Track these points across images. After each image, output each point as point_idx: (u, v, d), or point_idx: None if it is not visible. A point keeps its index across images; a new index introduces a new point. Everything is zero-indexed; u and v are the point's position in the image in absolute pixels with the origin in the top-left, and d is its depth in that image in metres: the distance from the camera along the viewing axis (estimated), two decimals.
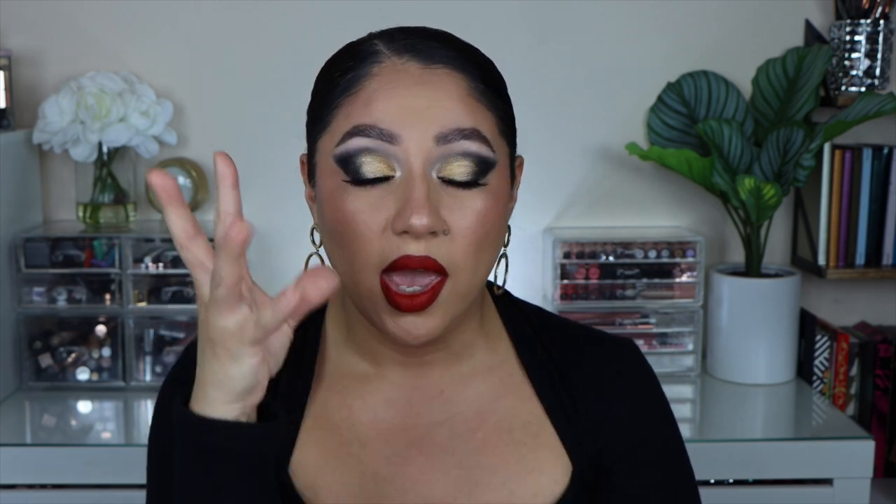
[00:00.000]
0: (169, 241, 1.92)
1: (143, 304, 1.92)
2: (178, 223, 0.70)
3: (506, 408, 0.91)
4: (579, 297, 1.99)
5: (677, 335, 2.01)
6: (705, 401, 1.93)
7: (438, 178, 0.81)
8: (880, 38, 2.00)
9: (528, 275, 2.10)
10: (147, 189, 2.03)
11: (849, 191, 2.01)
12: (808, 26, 2.08)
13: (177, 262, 1.91)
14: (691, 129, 2.05)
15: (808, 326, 2.02)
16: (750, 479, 1.71)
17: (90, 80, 1.93)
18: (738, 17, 2.09)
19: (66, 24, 2.06)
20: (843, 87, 2.03)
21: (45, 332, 1.93)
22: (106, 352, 1.93)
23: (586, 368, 0.93)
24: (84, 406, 1.89)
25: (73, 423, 1.83)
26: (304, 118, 0.89)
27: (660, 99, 2.07)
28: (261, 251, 2.06)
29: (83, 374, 1.93)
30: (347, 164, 0.81)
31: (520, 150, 0.93)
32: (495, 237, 0.84)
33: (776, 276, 2.00)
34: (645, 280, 1.99)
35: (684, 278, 2.00)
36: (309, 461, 0.89)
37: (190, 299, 1.92)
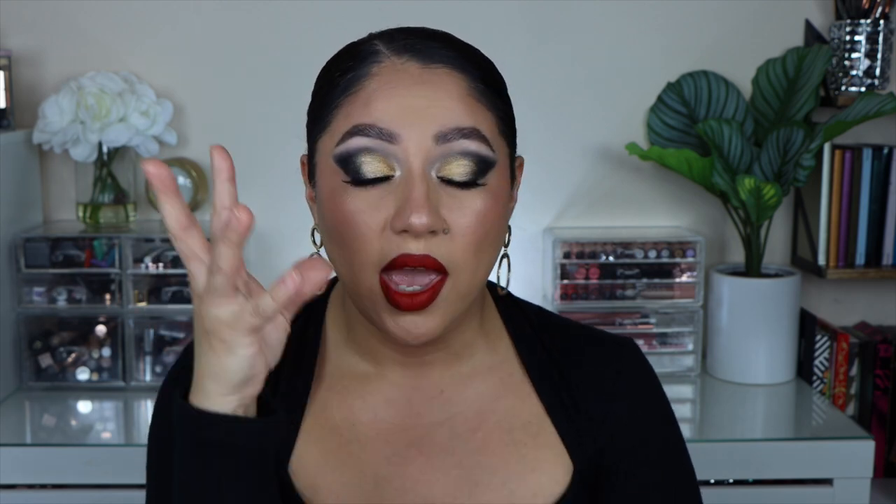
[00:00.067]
0: (169, 241, 1.92)
1: (143, 304, 1.92)
2: (172, 213, 0.70)
3: (506, 408, 0.91)
4: (579, 297, 1.99)
5: (677, 335, 2.01)
6: (705, 401, 1.93)
7: (438, 177, 0.81)
8: (880, 38, 2.00)
9: (528, 275, 2.10)
10: (147, 189, 2.03)
11: (849, 191, 2.01)
12: (808, 26, 2.08)
13: (177, 262, 1.91)
14: (691, 129, 2.05)
15: (808, 326, 2.02)
16: (750, 479, 1.71)
17: (90, 80, 1.93)
18: (738, 17, 2.09)
19: (66, 24, 2.06)
20: (843, 87, 2.03)
21: (45, 332, 1.93)
22: (106, 352, 1.93)
23: (587, 368, 0.93)
24: (84, 406, 1.89)
25: (73, 423, 1.83)
26: (304, 118, 0.89)
27: (660, 99, 2.07)
28: (261, 251, 2.06)
29: (83, 374, 1.93)
30: (347, 163, 0.81)
31: (520, 150, 0.93)
32: (495, 237, 0.84)
33: (776, 276, 2.00)
34: (645, 280, 1.99)
35: (684, 278, 2.00)
36: (309, 461, 0.89)
37: (190, 299, 1.91)
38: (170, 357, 1.93)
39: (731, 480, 1.71)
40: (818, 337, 2.02)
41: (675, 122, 2.06)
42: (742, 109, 2.03)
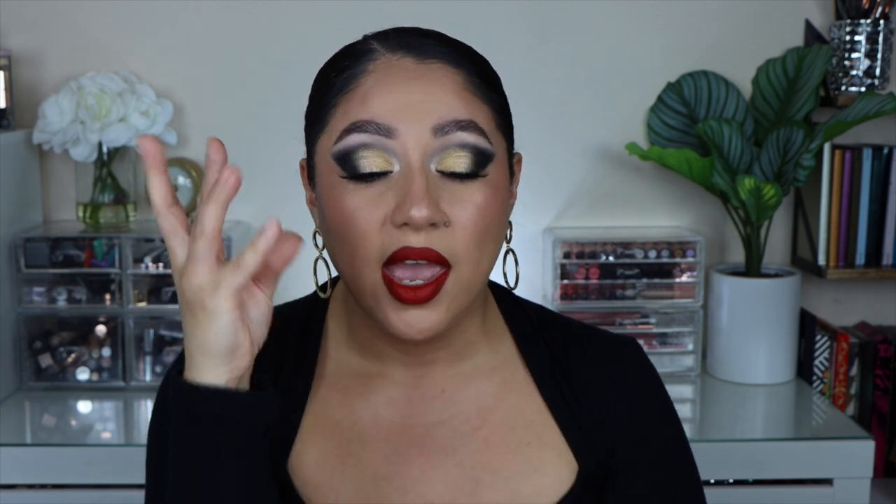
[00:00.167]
0: None
1: (143, 304, 1.92)
2: (159, 189, 0.74)
3: (508, 407, 0.91)
4: (579, 297, 1.99)
5: (677, 335, 2.01)
6: (705, 401, 1.93)
7: (437, 171, 0.81)
8: (880, 38, 2.00)
9: (528, 275, 2.09)
10: (147, 189, 2.03)
11: (849, 191, 2.01)
12: (808, 26, 2.08)
13: None
14: (691, 129, 2.05)
15: (808, 326, 2.02)
16: (750, 479, 1.71)
17: (90, 80, 1.93)
18: (738, 17, 2.09)
19: (66, 24, 2.06)
20: (843, 87, 2.03)
21: (45, 332, 1.93)
22: (106, 352, 1.93)
23: (589, 368, 0.93)
24: (84, 406, 1.89)
25: (73, 423, 1.83)
26: (303, 118, 0.89)
27: (660, 99, 2.07)
28: None
29: (83, 374, 1.93)
30: (346, 160, 0.81)
31: (520, 150, 0.93)
32: (496, 230, 0.84)
33: (776, 276, 2.00)
34: (645, 280, 1.99)
35: (684, 278, 2.00)
36: (309, 460, 0.89)
37: None
38: (170, 357, 1.93)
39: (731, 480, 1.71)
40: (818, 337, 2.02)
41: (675, 122, 2.06)
42: (742, 109, 2.03)
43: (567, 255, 1.98)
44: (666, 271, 2.00)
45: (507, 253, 0.89)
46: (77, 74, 1.98)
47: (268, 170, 2.09)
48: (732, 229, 2.12)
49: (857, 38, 2.00)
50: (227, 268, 0.72)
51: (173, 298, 1.92)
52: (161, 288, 1.93)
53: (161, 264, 1.91)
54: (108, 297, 1.92)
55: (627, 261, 1.99)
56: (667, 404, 0.96)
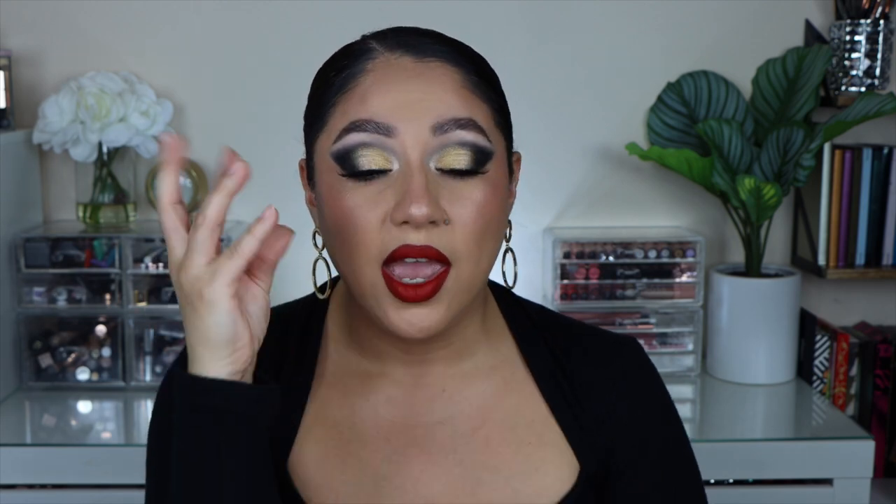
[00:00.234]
0: None
1: (143, 304, 1.92)
2: (168, 185, 0.75)
3: (509, 406, 0.91)
4: (579, 297, 1.99)
5: (677, 335, 2.01)
6: (705, 401, 1.93)
7: (437, 169, 0.81)
8: (880, 38, 2.00)
9: (528, 275, 2.10)
10: (147, 189, 2.03)
11: (849, 191, 2.01)
12: (808, 26, 2.08)
13: None
14: (691, 129, 2.05)
15: (808, 326, 2.02)
16: (750, 479, 1.71)
17: (90, 80, 1.93)
18: (738, 17, 2.09)
19: (66, 24, 2.06)
20: (843, 87, 2.03)
21: (45, 332, 1.93)
22: (106, 352, 1.93)
23: (589, 367, 0.93)
24: (84, 406, 1.89)
25: (73, 423, 1.83)
26: (303, 118, 0.89)
27: (660, 99, 2.07)
28: None
29: (83, 374, 1.93)
30: (345, 159, 0.81)
31: (520, 150, 0.93)
32: (496, 228, 0.84)
33: (776, 276, 2.00)
34: (645, 280, 1.99)
35: (684, 278, 2.00)
36: (308, 459, 0.89)
37: None
38: (170, 357, 1.93)
39: (731, 480, 1.71)
40: (818, 337, 2.02)
41: (675, 122, 2.06)
42: (742, 109, 2.03)
43: (567, 255, 1.98)
44: (666, 271, 2.00)
45: (506, 252, 0.89)
46: (77, 74, 1.98)
47: (268, 170, 2.08)
48: (732, 229, 2.12)
49: (857, 38, 2.00)
50: (224, 256, 0.73)
51: (173, 298, 1.92)
52: (161, 288, 1.93)
53: (161, 264, 1.91)
54: (108, 297, 1.92)
55: (627, 261, 1.99)
56: (667, 404, 0.96)
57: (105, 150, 1.96)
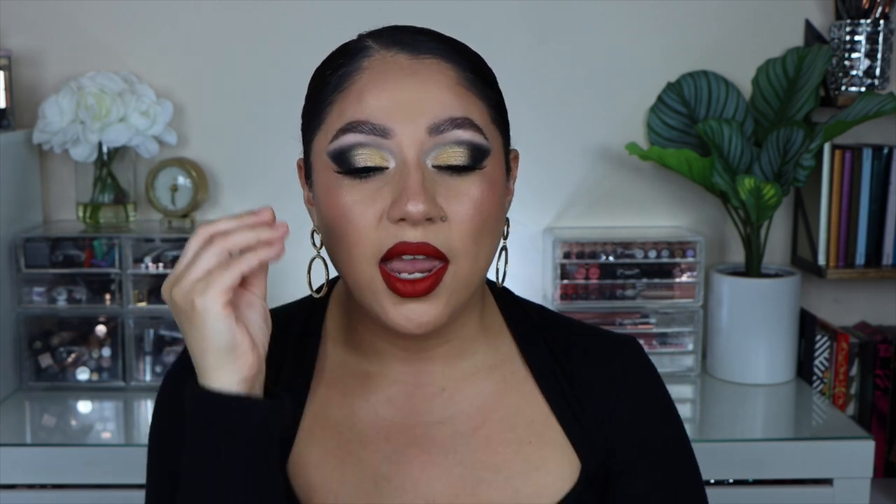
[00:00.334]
0: (169, 241, 1.93)
1: (143, 304, 1.92)
2: (241, 231, 0.75)
3: (509, 406, 0.91)
4: (579, 297, 1.99)
5: (677, 335, 2.01)
6: (705, 401, 1.93)
7: (434, 166, 0.81)
8: (880, 38, 2.00)
9: (528, 275, 2.10)
10: (147, 189, 2.03)
11: (849, 191, 2.01)
12: (808, 26, 2.08)
13: (177, 262, 1.91)
14: (691, 129, 2.05)
15: (808, 326, 2.02)
16: (750, 479, 1.71)
17: (90, 80, 1.93)
18: (738, 17, 2.09)
19: (66, 24, 2.06)
20: (843, 87, 2.03)
21: (45, 332, 1.93)
22: (106, 352, 1.93)
23: (589, 367, 0.93)
24: (84, 406, 1.89)
25: (73, 423, 1.83)
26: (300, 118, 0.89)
27: (660, 99, 2.07)
28: None
29: (83, 374, 1.93)
30: (341, 159, 0.81)
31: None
32: (493, 225, 0.84)
33: (776, 276, 2.00)
34: (645, 280, 1.99)
35: (684, 278, 2.00)
36: (308, 460, 0.89)
37: None
38: (170, 357, 1.93)
39: (731, 480, 1.71)
40: (818, 337, 2.02)
41: (675, 122, 2.06)
42: (742, 109, 2.03)
43: (567, 255, 1.98)
44: (666, 271, 2.00)
45: (501, 250, 0.89)
46: (77, 74, 1.98)
47: (268, 170, 2.09)
48: (732, 229, 2.12)
49: (857, 38, 2.00)
50: (219, 268, 0.73)
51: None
52: (161, 288, 1.92)
53: (161, 264, 1.91)
54: (108, 297, 1.92)
55: (627, 261, 1.99)
56: (667, 404, 0.96)
57: (105, 150, 1.96)
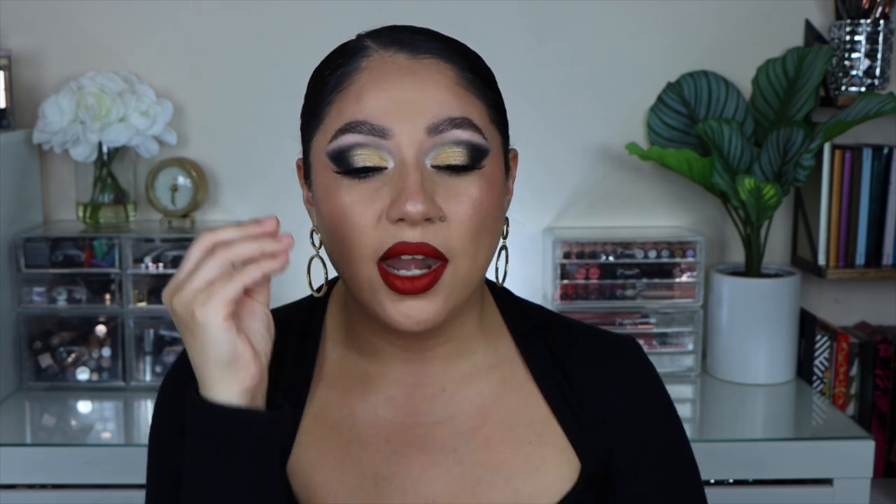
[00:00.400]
0: (169, 241, 1.93)
1: (143, 304, 1.92)
2: (245, 242, 0.74)
3: (509, 406, 0.91)
4: (579, 297, 1.99)
5: (677, 335, 2.01)
6: (705, 401, 1.93)
7: (433, 166, 0.81)
8: (880, 38, 2.00)
9: (528, 275, 2.10)
10: (147, 189, 2.03)
11: (849, 191, 2.01)
12: (808, 26, 2.08)
13: (177, 262, 1.91)
14: (691, 129, 2.05)
15: (808, 326, 2.02)
16: (750, 479, 1.71)
17: (90, 80, 1.93)
18: (738, 17, 2.09)
19: (66, 24, 2.06)
20: (843, 87, 2.03)
21: (45, 332, 1.93)
22: (106, 352, 1.93)
23: (589, 367, 0.93)
24: (84, 406, 1.89)
25: (73, 423, 1.83)
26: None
27: (660, 99, 2.07)
28: None
29: (83, 374, 1.93)
30: (340, 159, 0.81)
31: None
32: (493, 225, 0.84)
33: (776, 276, 2.00)
34: (645, 280, 1.99)
35: (684, 278, 2.00)
36: (307, 461, 0.89)
37: None
38: (170, 357, 1.93)
39: (731, 480, 1.71)
40: (818, 337, 2.02)
41: (675, 122, 2.06)
42: (742, 109, 2.03)
43: (567, 255, 1.98)
44: (666, 271, 2.00)
45: (500, 249, 0.89)
46: (77, 74, 1.98)
47: (268, 170, 2.09)
48: (732, 229, 2.12)
49: (857, 38, 2.00)
50: (221, 279, 0.73)
51: None
52: (161, 288, 1.93)
53: (161, 264, 1.91)
54: (108, 297, 1.92)
55: (627, 261, 1.99)
56: (667, 404, 0.96)
57: (105, 150, 1.96)
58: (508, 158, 0.90)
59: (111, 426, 1.84)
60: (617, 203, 2.14)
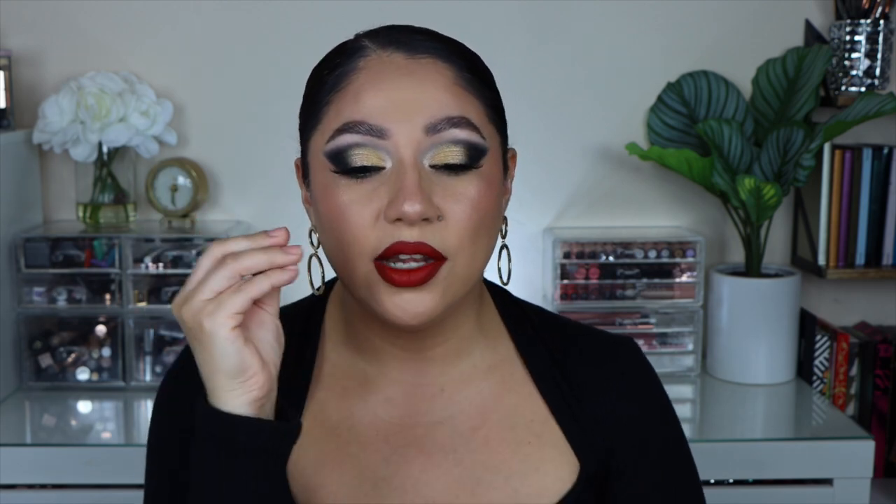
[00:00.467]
0: (169, 241, 1.92)
1: (143, 304, 1.92)
2: (254, 254, 0.74)
3: (508, 406, 0.91)
4: (579, 297, 1.99)
5: (677, 335, 2.01)
6: (705, 401, 1.93)
7: (430, 166, 0.81)
8: (880, 38, 2.00)
9: (528, 275, 2.10)
10: (147, 189, 2.03)
11: (849, 191, 2.01)
12: (808, 26, 2.08)
13: (177, 261, 1.91)
14: (691, 129, 2.05)
15: (808, 326, 2.02)
16: (750, 479, 1.71)
17: (90, 80, 1.93)
18: (738, 17, 2.09)
19: (66, 24, 2.06)
20: (843, 87, 2.03)
21: (45, 332, 1.93)
22: (106, 352, 1.93)
23: (587, 368, 0.93)
24: (84, 406, 1.89)
25: (73, 423, 1.83)
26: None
27: (660, 99, 2.07)
28: None
29: (83, 374, 1.93)
30: (338, 159, 0.82)
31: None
32: (490, 224, 0.84)
33: (776, 276, 2.00)
34: (645, 280, 1.99)
35: (684, 278, 2.00)
36: (306, 463, 0.89)
37: None
38: (170, 357, 1.93)
39: (731, 480, 1.71)
40: (818, 337, 2.02)
41: (675, 122, 2.06)
42: (742, 109, 2.03)
43: (567, 255, 1.98)
44: (666, 271, 2.00)
45: (501, 249, 0.89)
46: (77, 74, 1.98)
47: (268, 170, 2.09)
48: (732, 229, 2.12)
49: (857, 38, 2.00)
50: (230, 290, 0.73)
51: (173, 298, 1.91)
52: (161, 288, 1.93)
53: (161, 264, 1.91)
54: (108, 297, 1.92)
55: (627, 261, 1.99)
56: (665, 404, 0.96)
57: (105, 150, 1.96)
58: (507, 158, 0.89)
59: (111, 426, 1.84)
60: (617, 203, 2.14)
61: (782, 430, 1.83)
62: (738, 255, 2.13)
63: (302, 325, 0.94)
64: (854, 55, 2.01)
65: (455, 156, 0.81)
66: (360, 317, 0.89)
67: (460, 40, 0.88)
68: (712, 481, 1.70)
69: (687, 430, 0.97)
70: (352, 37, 0.88)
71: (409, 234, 0.79)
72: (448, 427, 0.90)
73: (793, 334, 1.99)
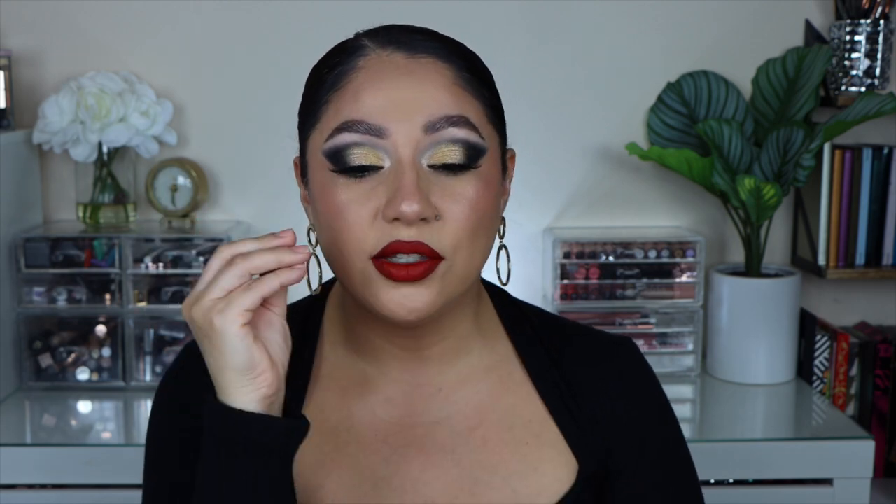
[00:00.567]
0: (169, 241, 1.93)
1: (143, 304, 1.92)
2: (263, 254, 0.76)
3: (506, 406, 0.91)
4: (579, 297, 1.99)
5: (677, 335, 2.01)
6: (705, 401, 1.93)
7: (429, 166, 0.81)
8: (880, 38, 2.00)
9: (528, 275, 2.10)
10: (147, 189, 2.03)
11: (849, 191, 2.01)
12: (808, 26, 2.08)
13: (177, 261, 1.91)
14: (691, 129, 2.05)
15: (808, 326, 2.02)
16: (750, 479, 1.71)
17: (90, 80, 1.93)
18: (738, 17, 2.09)
19: (66, 24, 2.06)
20: (843, 87, 2.02)
21: (45, 332, 1.93)
22: (106, 352, 1.93)
23: (585, 368, 0.93)
24: (84, 406, 1.89)
25: (73, 423, 1.83)
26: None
27: (660, 99, 2.07)
28: None
29: (83, 374, 1.93)
30: (337, 157, 0.82)
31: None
32: (489, 224, 0.84)
33: (776, 276, 2.00)
34: (645, 280, 1.99)
35: (684, 278, 2.00)
36: (306, 463, 0.88)
37: None
38: (170, 357, 1.93)
39: (731, 480, 1.71)
40: (818, 337, 2.02)
41: (675, 122, 2.06)
42: (742, 109, 2.03)
43: (567, 255, 1.98)
44: (666, 271, 2.00)
45: (499, 249, 0.89)
46: (77, 74, 1.98)
47: (268, 169, 2.09)
48: (732, 229, 2.12)
49: (857, 38, 2.00)
50: (240, 289, 0.75)
51: (173, 298, 1.92)
52: (161, 288, 1.93)
53: (161, 264, 1.91)
54: (108, 297, 1.92)
55: (627, 261, 1.99)
56: (664, 404, 0.96)
57: (105, 150, 1.96)
58: (506, 158, 0.89)
59: (111, 426, 1.84)
60: (617, 203, 2.14)
61: (782, 430, 1.83)
62: (738, 255, 2.13)
63: (300, 325, 0.94)
64: (854, 55, 2.01)
65: (453, 155, 0.81)
66: (359, 316, 0.89)
67: (460, 40, 0.88)
68: (712, 481, 1.70)
69: (687, 430, 0.97)
70: (351, 36, 0.88)
71: (407, 234, 0.79)
72: (446, 427, 0.90)
73: (793, 334, 1.99)
